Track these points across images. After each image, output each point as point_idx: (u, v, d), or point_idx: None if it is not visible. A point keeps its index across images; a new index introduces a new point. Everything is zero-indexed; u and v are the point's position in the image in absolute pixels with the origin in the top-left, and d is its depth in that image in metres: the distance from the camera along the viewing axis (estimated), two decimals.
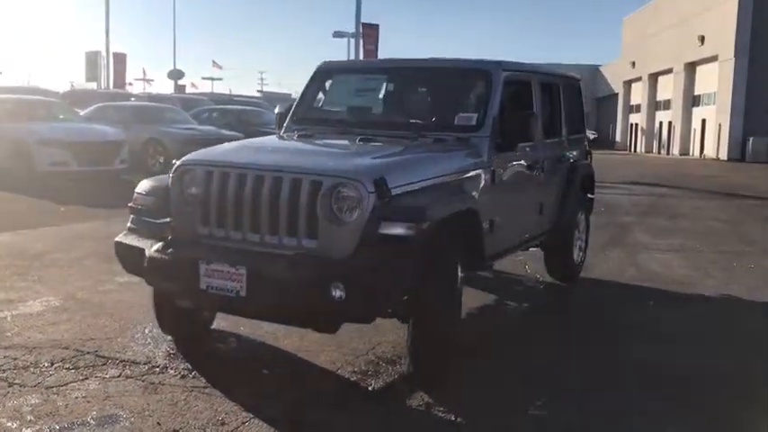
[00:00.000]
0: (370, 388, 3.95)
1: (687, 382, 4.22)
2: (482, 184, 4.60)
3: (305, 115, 5.30)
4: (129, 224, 4.32)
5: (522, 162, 5.25)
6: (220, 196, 3.90)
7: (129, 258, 4.10)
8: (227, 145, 4.47)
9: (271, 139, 4.96)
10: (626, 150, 48.93)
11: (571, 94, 6.54)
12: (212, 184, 3.93)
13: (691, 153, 39.34)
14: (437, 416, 3.61)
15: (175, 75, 43.44)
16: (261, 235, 3.80)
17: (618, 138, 52.52)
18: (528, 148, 5.25)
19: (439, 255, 3.78)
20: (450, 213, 3.88)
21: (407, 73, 5.41)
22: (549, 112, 5.96)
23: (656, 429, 3.59)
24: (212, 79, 65.71)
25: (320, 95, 5.54)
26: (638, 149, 47.91)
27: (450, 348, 3.95)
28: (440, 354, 3.89)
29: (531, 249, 6.38)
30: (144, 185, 4.35)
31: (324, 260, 3.58)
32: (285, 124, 5.29)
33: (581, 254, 6.76)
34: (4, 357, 4.19)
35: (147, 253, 3.93)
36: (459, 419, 3.58)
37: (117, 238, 4.22)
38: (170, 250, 3.88)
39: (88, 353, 4.32)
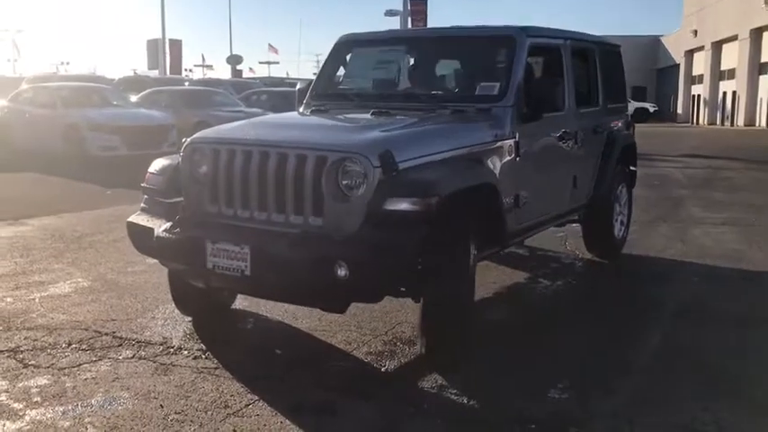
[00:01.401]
0: (383, 369, 3.82)
1: (726, 369, 3.96)
2: (504, 157, 4.38)
3: (324, 91, 5.17)
4: (141, 204, 4.29)
5: (551, 133, 5.00)
6: (228, 174, 3.82)
7: (140, 238, 4.06)
8: (238, 123, 4.38)
9: (284, 116, 4.86)
10: (688, 122, 47.19)
11: (609, 62, 6.21)
12: (220, 162, 3.85)
13: (757, 123, 37.59)
14: (449, 398, 3.46)
15: (233, 60, 43.87)
16: (268, 213, 3.70)
17: (680, 110, 50.66)
18: (557, 118, 4.99)
19: (449, 231, 3.61)
20: (461, 188, 3.69)
21: (428, 43, 5.21)
22: (583, 80, 5.67)
23: (686, 419, 3.35)
24: (269, 63, 66.13)
25: (341, 70, 5.40)
26: (700, 121, 46.12)
27: (464, 329, 3.78)
28: (452, 334, 3.73)
29: (572, 225, 6.15)
30: (156, 165, 4.30)
31: (328, 238, 3.46)
32: (305, 100, 5.17)
33: (623, 229, 6.46)
34: (25, 338, 4.22)
35: (156, 233, 3.89)
36: (471, 402, 3.42)
37: (129, 219, 4.19)
38: (177, 230, 3.83)
39: (106, 334, 4.32)
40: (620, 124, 6.41)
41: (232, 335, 4.42)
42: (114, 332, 4.35)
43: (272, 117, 4.82)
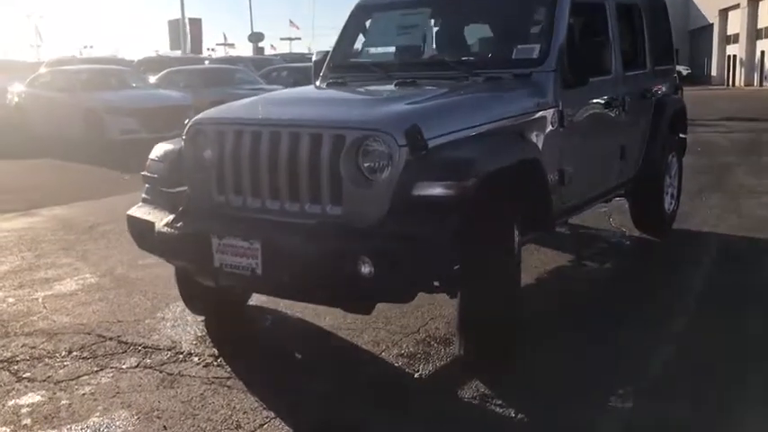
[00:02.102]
0: (416, 375, 3.37)
1: None
2: (547, 129, 3.87)
3: (342, 61, 4.67)
4: (143, 194, 3.87)
5: (597, 99, 4.47)
6: (235, 158, 3.37)
7: (141, 234, 3.63)
8: (246, 100, 3.91)
9: (298, 91, 4.38)
10: (723, 85, 45.73)
11: (656, 18, 5.62)
12: (226, 145, 3.40)
13: None
14: (493, 411, 3.00)
15: (254, 38, 43.49)
16: (281, 202, 3.25)
17: (714, 72, 49.10)
18: (603, 83, 4.46)
19: (490, 217, 3.12)
20: (501, 167, 3.19)
21: (457, 3, 4.65)
22: (628, 39, 5.11)
23: None
24: (290, 39, 65.46)
25: (361, 38, 4.89)
26: (736, 83, 44.64)
27: (508, 326, 3.31)
28: (495, 334, 3.25)
29: (616, 199, 5.62)
30: (157, 150, 3.87)
31: (348, 230, 3.00)
32: (321, 73, 4.68)
33: (673, 203, 5.90)
34: (23, 346, 3.84)
35: (157, 227, 3.46)
36: (520, 416, 2.96)
37: (129, 211, 3.77)
38: (180, 224, 3.39)
39: (110, 338, 3.93)
40: (668, 87, 5.84)
41: (247, 336, 4.00)
42: (119, 336, 3.96)
43: (284, 92, 4.32)
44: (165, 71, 17.66)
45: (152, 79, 16.99)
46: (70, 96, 13.84)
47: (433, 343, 3.71)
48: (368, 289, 2.96)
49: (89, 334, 4.00)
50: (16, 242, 6.20)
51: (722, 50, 48.57)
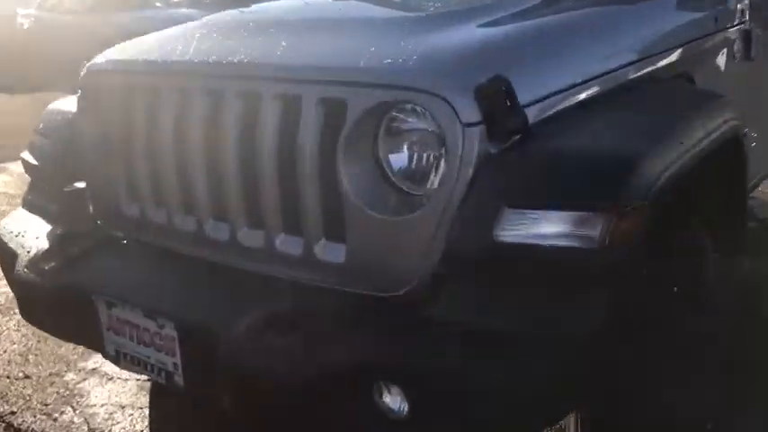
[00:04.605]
0: None
1: None
2: (728, 65, 2.16)
3: None
4: (25, 194, 2.30)
5: None
6: (151, 138, 1.77)
7: (7, 268, 2.08)
8: (180, 27, 2.25)
9: (284, 5, 2.58)
10: None
11: None
12: (136, 113, 1.80)
13: None
14: None
15: None
16: (231, 227, 1.65)
17: None
18: None
19: (673, 271, 1.48)
20: (694, 158, 1.49)
21: None
22: None
23: None
24: None
25: None
26: None
27: None
28: None
29: None
30: (45, 117, 2.32)
31: (352, 311, 1.39)
32: None
33: None
34: None
35: (18, 266, 1.90)
36: None
37: None
38: (51, 265, 1.82)
39: None
40: None
41: (203, 421, 2.44)
42: (11, 413, 2.49)
43: (257, 8, 2.46)
44: None
45: None
46: (78, 19, 12.39)
47: None
48: None
49: None
50: None
51: None
